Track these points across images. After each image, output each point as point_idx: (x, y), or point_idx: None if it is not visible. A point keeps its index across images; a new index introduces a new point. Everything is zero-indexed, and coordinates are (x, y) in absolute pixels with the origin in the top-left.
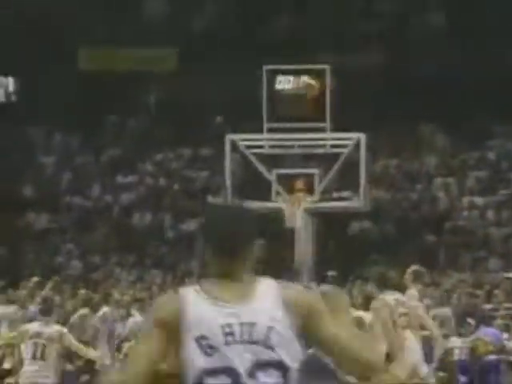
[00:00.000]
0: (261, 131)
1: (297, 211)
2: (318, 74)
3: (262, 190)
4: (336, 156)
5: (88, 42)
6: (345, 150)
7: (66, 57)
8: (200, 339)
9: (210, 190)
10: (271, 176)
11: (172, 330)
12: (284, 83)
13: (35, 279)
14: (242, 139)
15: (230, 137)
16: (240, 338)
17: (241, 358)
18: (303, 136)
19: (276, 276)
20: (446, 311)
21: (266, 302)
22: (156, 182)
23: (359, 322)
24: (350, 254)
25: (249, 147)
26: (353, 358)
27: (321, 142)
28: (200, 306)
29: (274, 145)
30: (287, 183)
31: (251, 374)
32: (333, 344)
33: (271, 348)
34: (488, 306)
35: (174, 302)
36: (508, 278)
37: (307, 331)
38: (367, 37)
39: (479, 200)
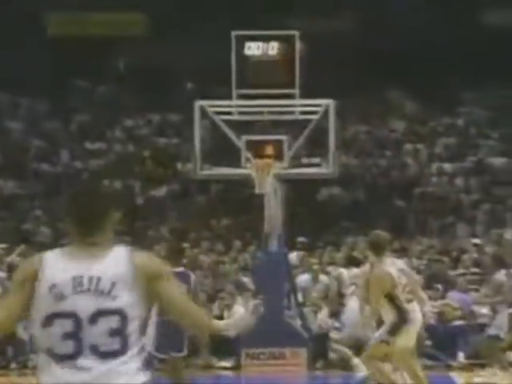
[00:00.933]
0: (231, 97)
1: (266, 177)
2: (288, 40)
3: (231, 156)
4: (305, 122)
5: (56, 7)
6: (314, 117)
7: (33, 21)
8: (52, 287)
9: (179, 156)
10: (240, 142)
11: (30, 285)
12: (253, 49)
13: (3, 246)
14: (211, 105)
15: (199, 103)
16: (87, 288)
17: (85, 306)
18: (272, 102)
19: (247, 242)
20: (501, 276)
21: (115, 261)
22: (125, 148)
23: (339, 278)
24: (319, 221)
25: (218, 113)
26: (190, 318)
27: (290, 109)
28: (57, 262)
29: (243, 111)
30: (256, 149)
31: (93, 320)
32: (174, 305)
33: (113, 299)
34: (456, 272)
35: (33, 261)
36: (475, 244)
37: (153, 291)
38: (338, 2)
39: (448, 166)
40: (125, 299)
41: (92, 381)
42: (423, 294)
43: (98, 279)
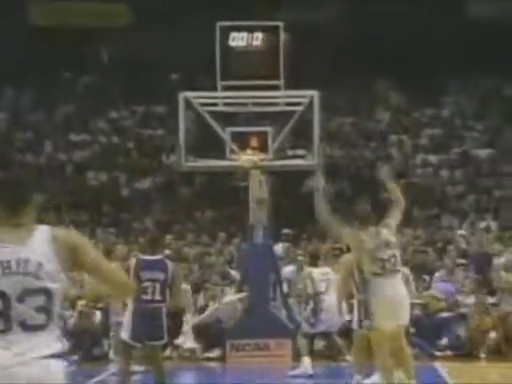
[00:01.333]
0: (215, 89)
1: (251, 169)
2: (272, 31)
3: (216, 148)
4: (290, 114)
5: None
6: (299, 108)
7: (17, 11)
8: None
9: (164, 148)
10: (225, 134)
11: None
12: (237, 40)
13: None
14: (196, 97)
15: (183, 94)
16: (15, 270)
17: (13, 286)
18: (257, 94)
19: (232, 234)
20: None
21: (39, 242)
22: (109, 140)
23: (310, 277)
24: (304, 212)
25: (203, 105)
26: (112, 281)
27: (275, 100)
28: None
29: (228, 102)
30: (241, 141)
31: (20, 299)
32: (97, 271)
33: (40, 278)
34: (441, 263)
35: None
36: (461, 235)
37: (76, 262)
38: None
39: (433, 158)
40: (50, 278)
41: (20, 352)
42: (406, 270)
43: (26, 261)
